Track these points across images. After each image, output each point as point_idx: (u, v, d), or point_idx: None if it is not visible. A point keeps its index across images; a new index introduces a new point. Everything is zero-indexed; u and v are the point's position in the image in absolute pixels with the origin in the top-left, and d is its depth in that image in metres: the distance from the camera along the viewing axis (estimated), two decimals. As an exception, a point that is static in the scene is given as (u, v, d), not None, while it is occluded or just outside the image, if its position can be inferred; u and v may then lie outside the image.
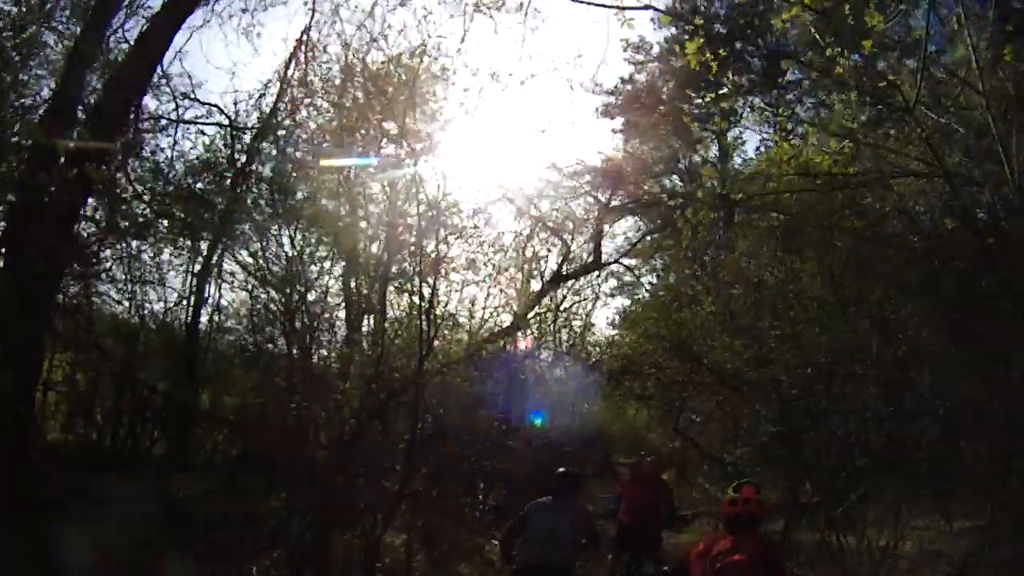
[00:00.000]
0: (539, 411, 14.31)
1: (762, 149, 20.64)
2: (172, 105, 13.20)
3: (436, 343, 11.68)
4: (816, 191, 8.68)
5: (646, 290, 24.17)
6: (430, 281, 10.92)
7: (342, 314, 13.94)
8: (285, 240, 12.96)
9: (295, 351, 12.93)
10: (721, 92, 9.22)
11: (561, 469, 7.13)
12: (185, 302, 14.14)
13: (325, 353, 13.31)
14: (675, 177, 22.80)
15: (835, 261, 10.03)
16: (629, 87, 23.18)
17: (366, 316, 13.68)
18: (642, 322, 12.11)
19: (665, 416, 21.05)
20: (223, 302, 14.69)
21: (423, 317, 10.40)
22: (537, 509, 6.65)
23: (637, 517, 9.84)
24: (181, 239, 13.33)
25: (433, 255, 10.81)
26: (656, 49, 23.78)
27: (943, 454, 9.05)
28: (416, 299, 10.83)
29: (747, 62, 22.90)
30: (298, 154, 12.86)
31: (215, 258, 13.52)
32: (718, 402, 10.81)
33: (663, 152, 20.81)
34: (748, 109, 23.53)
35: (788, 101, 22.19)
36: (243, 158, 13.21)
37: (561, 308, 16.02)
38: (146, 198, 12.80)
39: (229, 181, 13.05)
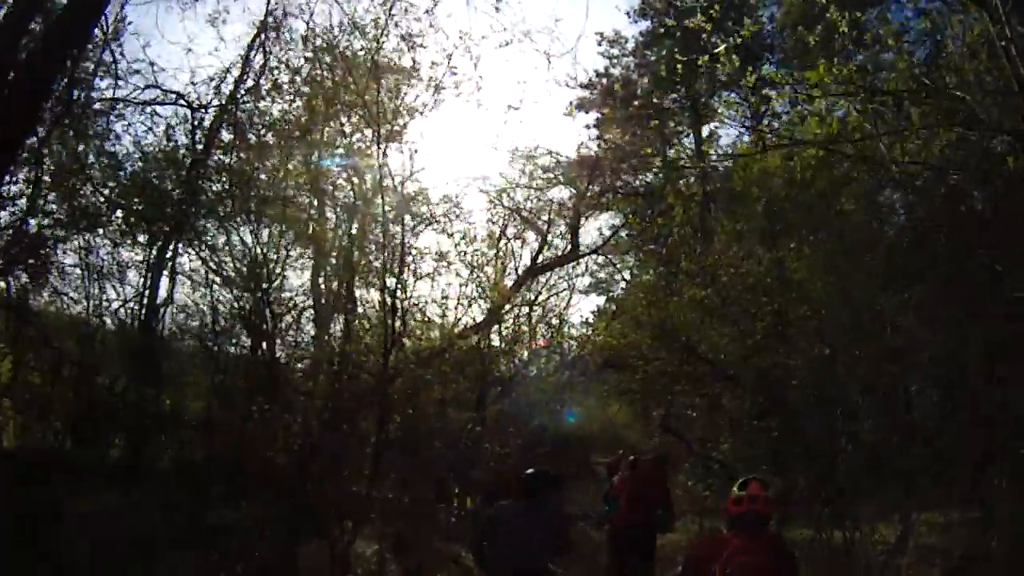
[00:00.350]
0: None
1: (738, 144, 20.13)
2: (127, 89, 12.19)
3: (406, 341, 10.95)
4: (814, 163, 7.92)
5: (622, 287, 23.57)
6: (396, 271, 10.10)
7: (310, 312, 13.22)
8: (247, 234, 12.23)
9: (259, 351, 12.21)
10: (716, 52, 8.35)
11: (530, 470, 6.30)
12: (143, 299, 13.05)
13: (291, 353, 12.48)
14: (653, 171, 22.04)
15: (826, 245, 9.34)
16: (604, 81, 22.52)
17: (335, 314, 12.87)
18: (628, 310, 11.09)
19: (644, 412, 20.31)
20: (185, 299, 13.69)
21: (388, 310, 9.57)
22: (505, 513, 5.93)
23: (634, 519, 9.11)
24: (137, 232, 12.34)
25: (399, 245, 9.98)
26: (631, 44, 23.17)
27: (937, 445, 8.35)
28: (382, 294, 10.02)
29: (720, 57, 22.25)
30: (260, 141, 11.94)
31: (172, 251, 12.50)
32: (711, 395, 9.89)
33: (638, 146, 20.04)
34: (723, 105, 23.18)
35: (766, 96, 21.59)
36: (201, 145, 12.20)
37: (537, 302, 15.14)
38: (100, 187, 11.87)
39: (186, 170, 12.03)
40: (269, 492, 9.64)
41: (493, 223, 15.07)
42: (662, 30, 22.41)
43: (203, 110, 12.14)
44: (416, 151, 11.41)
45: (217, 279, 12.50)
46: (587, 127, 22.77)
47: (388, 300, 9.84)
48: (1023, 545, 8.00)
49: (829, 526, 8.12)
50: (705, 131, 22.77)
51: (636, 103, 20.73)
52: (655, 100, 21.38)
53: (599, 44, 23.24)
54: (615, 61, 23.31)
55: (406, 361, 10.24)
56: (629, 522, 9.16)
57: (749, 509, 4.18)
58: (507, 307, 13.64)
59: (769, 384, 8.70)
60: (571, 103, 22.42)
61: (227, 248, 12.08)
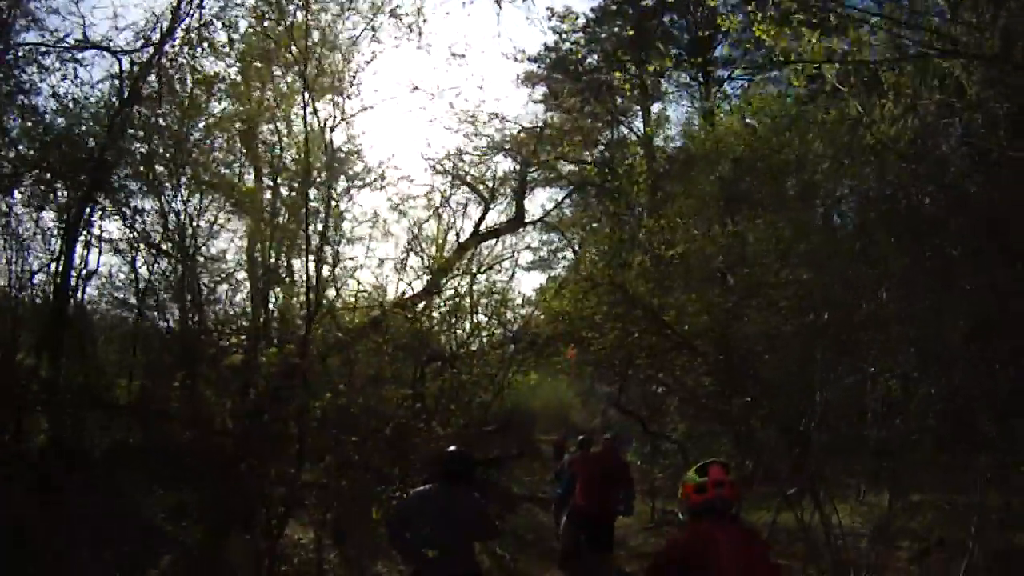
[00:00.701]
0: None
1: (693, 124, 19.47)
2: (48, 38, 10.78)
3: (341, 312, 9.99)
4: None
5: (567, 263, 22.88)
6: (321, 232, 9.10)
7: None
8: (175, 196, 11.08)
9: (188, 324, 11.12)
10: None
11: (451, 448, 5.41)
12: (59, 267, 11.66)
13: (220, 326, 11.42)
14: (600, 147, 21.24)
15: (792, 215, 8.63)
16: (553, 55, 21.64)
17: (270, 284, 11.80)
18: (583, 266, 9.99)
19: (590, 389, 19.61)
20: (108, 268, 12.36)
21: (312, 276, 8.63)
22: (422, 502, 5.06)
23: (591, 504, 8.27)
24: (54, 192, 10.98)
25: (325, 203, 8.98)
26: (581, 20, 22.31)
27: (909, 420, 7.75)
28: (304, 258, 9.02)
29: (674, 36, 21.66)
30: (191, 95, 10.73)
31: (88, 213, 11.14)
32: (675, 368, 8.97)
33: (586, 122, 19.19)
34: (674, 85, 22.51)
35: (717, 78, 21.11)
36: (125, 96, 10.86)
37: (480, 270, 14.03)
38: (16, 143, 10.52)
39: (108, 124, 10.70)
40: (196, 477, 8.65)
41: (434, 187, 14.08)
42: (614, 7, 21.64)
43: (126, 55, 10.77)
44: (348, 97, 10.22)
45: (143, 245, 11.36)
46: (535, 102, 21.95)
47: (311, 265, 8.83)
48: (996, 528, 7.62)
49: (801, 507, 7.42)
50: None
51: (584, 79, 19.96)
52: (604, 77, 20.57)
53: (549, 19, 22.44)
54: (564, 36, 22.43)
55: (333, 332, 9.22)
56: (586, 508, 8.32)
57: (717, 495, 3.65)
58: (448, 276, 12.58)
59: (743, 357, 7.90)
60: (518, 77, 21.73)
61: (154, 211, 10.94)
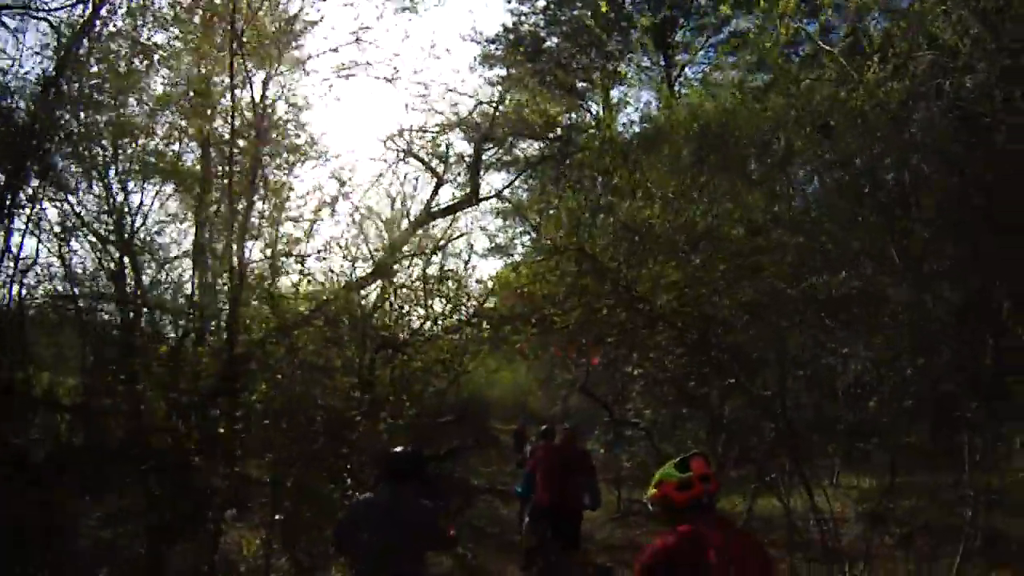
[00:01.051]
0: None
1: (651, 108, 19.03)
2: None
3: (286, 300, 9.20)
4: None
5: (521, 248, 22.22)
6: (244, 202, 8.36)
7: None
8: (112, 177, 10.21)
9: (128, 315, 10.29)
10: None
11: (398, 448, 4.84)
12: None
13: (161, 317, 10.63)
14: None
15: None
16: (511, 36, 20.96)
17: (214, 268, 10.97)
18: (546, 232, 9.10)
19: (548, 376, 19.01)
20: (46, 257, 11.39)
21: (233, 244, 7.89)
22: (366, 511, 4.54)
23: (553, 497, 7.70)
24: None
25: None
26: (541, 2, 21.67)
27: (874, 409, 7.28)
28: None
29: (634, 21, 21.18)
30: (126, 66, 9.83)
31: (11, 195, 10.14)
32: (651, 347, 8.23)
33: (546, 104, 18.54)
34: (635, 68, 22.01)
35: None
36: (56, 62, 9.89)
37: (435, 249, 13.15)
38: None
39: (40, 95, 9.72)
40: (135, 478, 7.80)
41: (383, 161, 13.26)
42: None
43: (53, 14, 9.80)
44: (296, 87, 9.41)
45: (80, 231, 10.47)
46: (491, 84, 21.20)
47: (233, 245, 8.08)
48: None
49: (780, 492, 6.91)
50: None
51: (543, 59, 19.35)
52: (563, 60, 20.01)
53: (508, 1, 21.80)
54: (524, 18, 21.78)
55: (268, 317, 8.45)
56: (547, 500, 7.73)
57: (704, 491, 3.23)
58: (399, 256, 11.73)
59: (721, 332, 7.27)
60: (475, 58, 21.07)
61: (91, 193, 10.08)
